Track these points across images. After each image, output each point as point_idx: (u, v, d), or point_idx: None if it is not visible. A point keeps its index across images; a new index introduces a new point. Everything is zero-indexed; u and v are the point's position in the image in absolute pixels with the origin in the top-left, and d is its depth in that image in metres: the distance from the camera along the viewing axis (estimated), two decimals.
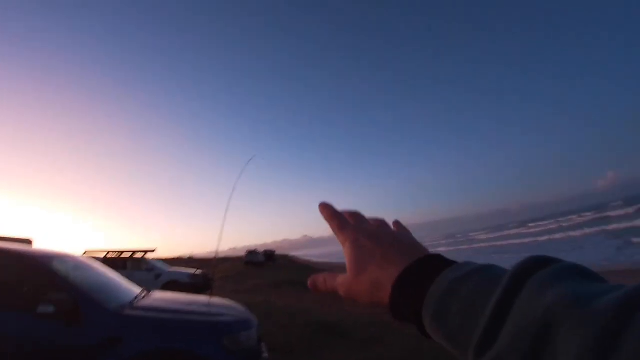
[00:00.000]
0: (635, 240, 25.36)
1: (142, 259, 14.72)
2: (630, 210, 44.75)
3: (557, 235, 40.62)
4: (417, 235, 0.50)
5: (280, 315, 8.14)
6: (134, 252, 14.92)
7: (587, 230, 37.46)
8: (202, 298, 4.77)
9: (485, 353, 0.34)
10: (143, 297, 4.27)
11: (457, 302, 0.36)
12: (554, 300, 0.33)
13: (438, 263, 0.42)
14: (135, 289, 4.58)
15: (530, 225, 78.14)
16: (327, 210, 0.54)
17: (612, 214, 47.57)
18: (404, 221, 0.57)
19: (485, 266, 0.38)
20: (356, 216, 0.54)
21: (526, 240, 44.57)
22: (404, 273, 0.42)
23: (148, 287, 5.42)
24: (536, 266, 0.35)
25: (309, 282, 0.54)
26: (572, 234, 37.63)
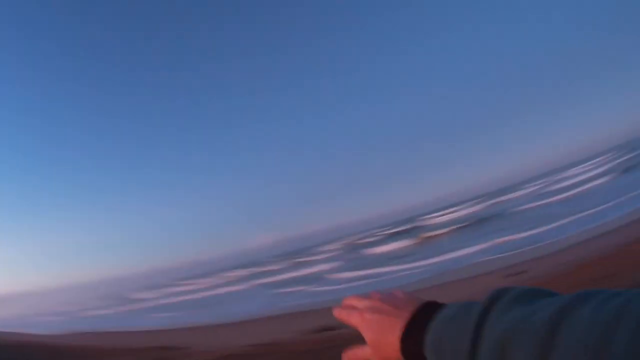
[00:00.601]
0: (286, 290, 27.99)
1: None
2: (283, 265, 49.72)
3: (220, 290, 42.38)
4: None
5: None
6: None
7: (247, 284, 40.06)
8: None
9: None
10: None
11: (445, 343, 0.47)
12: (505, 325, 0.41)
13: (430, 310, 0.54)
14: None
15: (192, 281, 79.89)
16: (337, 314, 0.68)
17: (267, 268, 52.02)
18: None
19: (464, 306, 0.49)
20: (355, 299, 0.67)
21: (191, 296, 45.32)
22: (404, 330, 0.54)
23: None
24: (495, 298, 0.46)
25: (345, 359, 0.66)
26: (233, 288, 39.74)
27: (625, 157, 43.76)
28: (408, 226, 47.50)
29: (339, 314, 0.67)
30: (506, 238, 16.71)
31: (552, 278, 8.24)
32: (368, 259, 27.77)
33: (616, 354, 0.32)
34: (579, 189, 28.52)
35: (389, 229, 52.82)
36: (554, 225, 16.56)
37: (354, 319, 0.63)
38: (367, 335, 0.60)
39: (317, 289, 22.07)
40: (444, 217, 45.46)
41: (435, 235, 28.59)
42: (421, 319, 0.53)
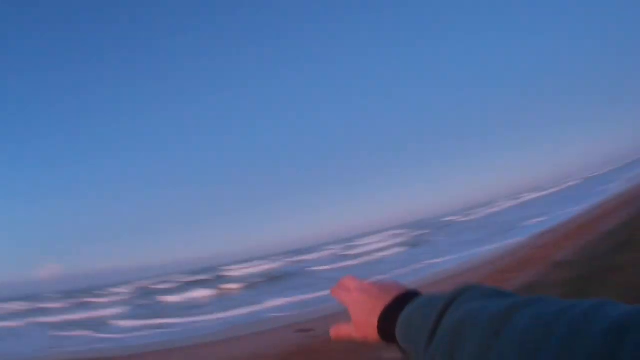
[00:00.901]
0: (64, 333, 25.60)
1: None
2: (65, 303, 45.45)
3: None
4: None
5: None
6: None
7: (20, 321, 35.88)
8: None
9: (428, 349, 0.48)
10: None
11: (412, 327, 0.53)
12: (462, 314, 0.45)
13: (407, 297, 0.60)
14: None
15: None
16: (332, 291, 0.75)
17: (47, 305, 47.29)
18: None
19: (435, 296, 0.54)
20: (350, 279, 0.73)
21: None
22: (383, 312, 0.61)
23: None
24: (463, 291, 0.50)
25: (332, 332, 0.73)
26: (4, 323, 35.47)
27: (414, 234, 48.44)
28: (207, 276, 46.81)
29: (333, 291, 0.74)
30: (300, 297, 17.40)
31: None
32: (160, 307, 26.63)
33: (548, 350, 0.34)
34: (371, 257, 31.01)
35: (187, 277, 51.53)
36: None
37: (345, 297, 0.70)
38: (353, 313, 0.67)
39: (98, 336, 20.59)
40: (245, 270, 45.68)
41: (234, 288, 28.61)
42: (400, 304, 0.59)
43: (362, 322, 0.65)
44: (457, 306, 0.48)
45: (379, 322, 0.61)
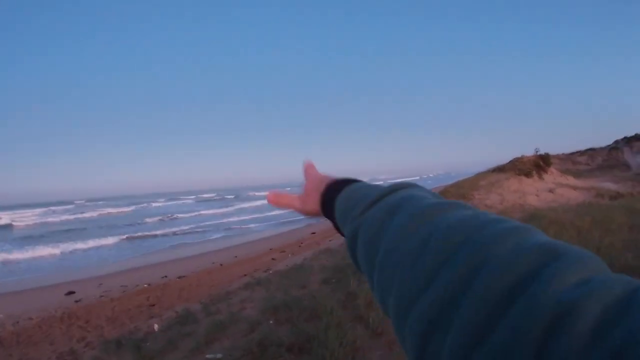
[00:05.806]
0: None
1: None
2: None
3: None
4: None
5: None
6: None
7: None
8: None
9: (360, 217, 0.49)
10: None
11: (356, 194, 0.54)
12: (407, 195, 0.46)
13: (353, 181, 0.62)
14: None
15: None
16: (305, 165, 0.76)
17: None
18: None
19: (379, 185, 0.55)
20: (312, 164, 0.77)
21: None
22: (331, 182, 0.63)
23: None
24: (408, 184, 0.52)
25: (269, 197, 0.73)
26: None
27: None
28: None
29: (306, 166, 0.75)
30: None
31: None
32: None
33: (463, 251, 0.34)
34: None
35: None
36: None
37: (308, 170, 0.73)
38: (306, 182, 0.70)
39: None
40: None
41: None
42: (345, 182, 0.62)
43: (310, 190, 0.68)
44: (403, 191, 0.50)
45: (325, 189, 0.64)
